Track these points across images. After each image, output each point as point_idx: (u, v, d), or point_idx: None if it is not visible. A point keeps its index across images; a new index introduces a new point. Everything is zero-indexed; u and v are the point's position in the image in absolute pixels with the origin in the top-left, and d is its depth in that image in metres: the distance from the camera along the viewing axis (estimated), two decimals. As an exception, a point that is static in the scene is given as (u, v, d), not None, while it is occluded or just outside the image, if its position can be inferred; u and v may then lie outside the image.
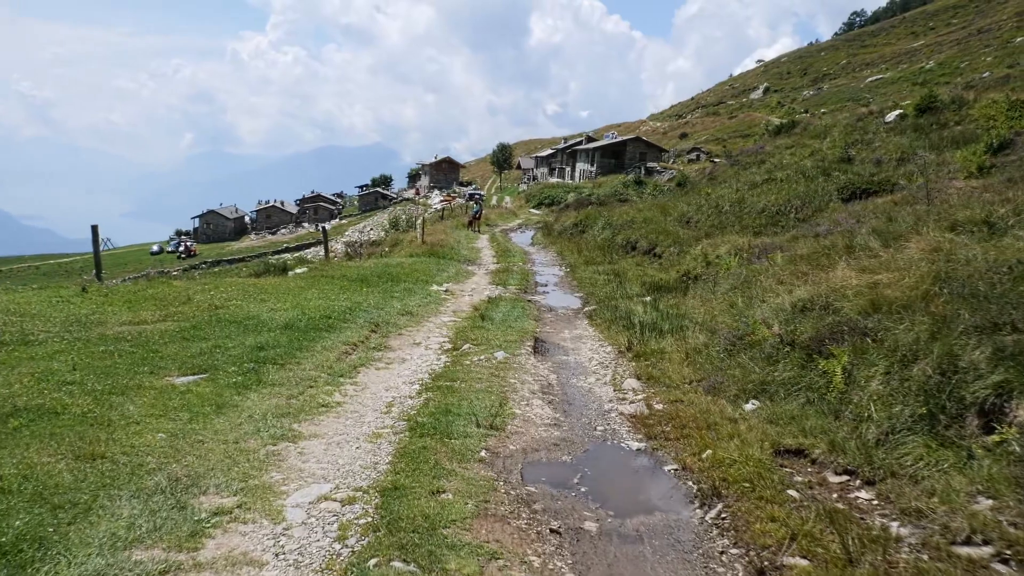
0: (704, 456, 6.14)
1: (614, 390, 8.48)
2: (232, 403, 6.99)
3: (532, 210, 63.35)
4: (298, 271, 19.14)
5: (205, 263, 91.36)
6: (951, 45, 79.80)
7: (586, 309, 15.72)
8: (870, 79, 79.96)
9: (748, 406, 7.30)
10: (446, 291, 17.10)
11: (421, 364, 9.27)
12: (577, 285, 19.59)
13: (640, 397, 8.04)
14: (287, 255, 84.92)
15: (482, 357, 9.39)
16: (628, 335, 10.87)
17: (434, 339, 10.98)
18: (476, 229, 36.63)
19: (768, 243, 16.75)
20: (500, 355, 9.47)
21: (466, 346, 10.17)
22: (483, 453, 6.19)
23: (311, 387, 7.78)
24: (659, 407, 7.64)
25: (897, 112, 31.41)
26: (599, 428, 7.14)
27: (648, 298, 15.80)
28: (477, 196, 37.69)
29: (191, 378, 7.80)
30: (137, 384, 7.34)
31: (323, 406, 7.21)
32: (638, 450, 6.62)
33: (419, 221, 43.02)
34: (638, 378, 8.79)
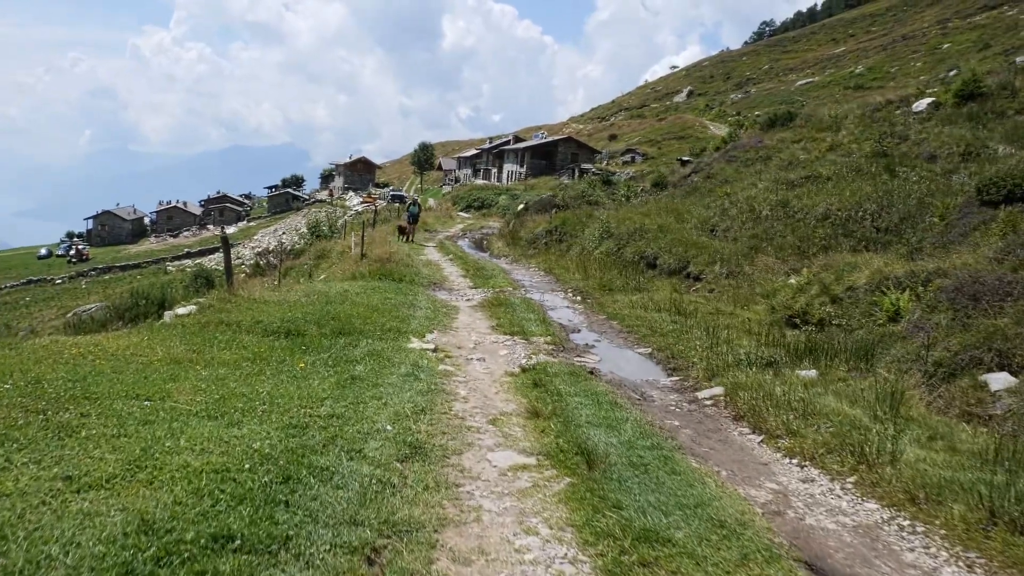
0: None
1: None
2: None
3: (461, 213, 56.01)
4: (180, 312, 11.09)
5: (95, 269, 79.31)
6: (876, 51, 77.00)
7: (707, 393, 8.49)
8: (799, 83, 76.27)
9: None
10: (436, 351, 9.54)
11: None
12: (622, 328, 12.34)
13: None
14: (188, 260, 74.14)
15: None
16: None
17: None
18: (411, 238, 27.60)
19: (967, 274, 9.93)
20: None
21: None
22: None
23: None
24: None
25: (929, 100, 25.66)
26: None
27: (810, 372, 8.69)
28: (413, 199, 29.31)
29: None
30: None
31: None
32: None
33: (347, 226, 34.90)
34: None
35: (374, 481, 4.59)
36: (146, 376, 6.62)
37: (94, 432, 4.92)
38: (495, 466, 5.43)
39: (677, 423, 7.25)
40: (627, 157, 65.74)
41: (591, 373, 9.02)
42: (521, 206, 32.72)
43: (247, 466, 4.48)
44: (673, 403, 8.24)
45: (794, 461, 6.24)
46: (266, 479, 4.32)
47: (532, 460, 5.61)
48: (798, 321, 11.80)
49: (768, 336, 10.83)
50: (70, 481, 4.18)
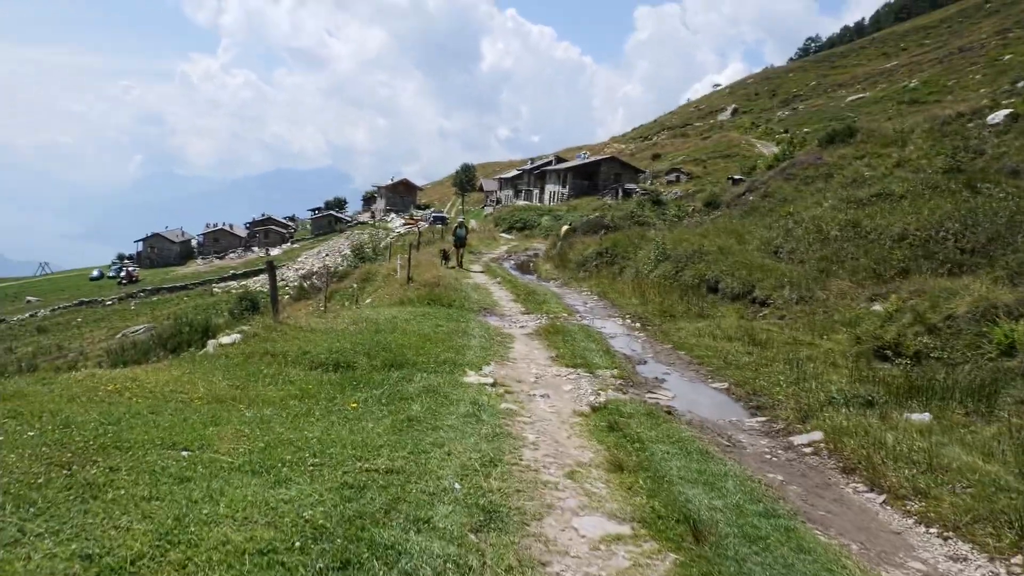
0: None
1: None
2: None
3: (503, 234, 55.52)
4: (224, 341, 10.52)
5: (144, 290, 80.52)
6: (931, 64, 74.83)
7: (804, 438, 7.55)
8: (850, 99, 74.46)
9: None
10: (495, 386, 8.75)
11: None
12: (692, 359, 11.42)
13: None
14: (233, 282, 74.83)
15: None
16: None
17: None
18: (460, 262, 25.67)
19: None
20: None
21: None
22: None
23: None
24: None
25: (1006, 112, 24.28)
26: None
27: (922, 416, 7.68)
28: (460, 221, 28.51)
29: None
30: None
31: None
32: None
33: (390, 248, 34.53)
34: None
35: (449, 564, 3.80)
36: (185, 418, 5.95)
37: (122, 493, 4.23)
38: (584, 536, 4.59)
39: (780, 477, 6.33)
40: (671, 176, 64.63)
41: (668, 413, 8.15)
42: (566, 227, 31.91)
43: (298, 544, 3.73)
44: (767, 450, 7.32)
45: (932, 531, 5.29)
46: (321, 564, 3.55)
47: (626, 528, 4.76)
48: (889, 353, 10.72)
49: (859, 370, 9.83)
50: (89, 562, 3.48)
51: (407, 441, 5.91)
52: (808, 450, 7.28)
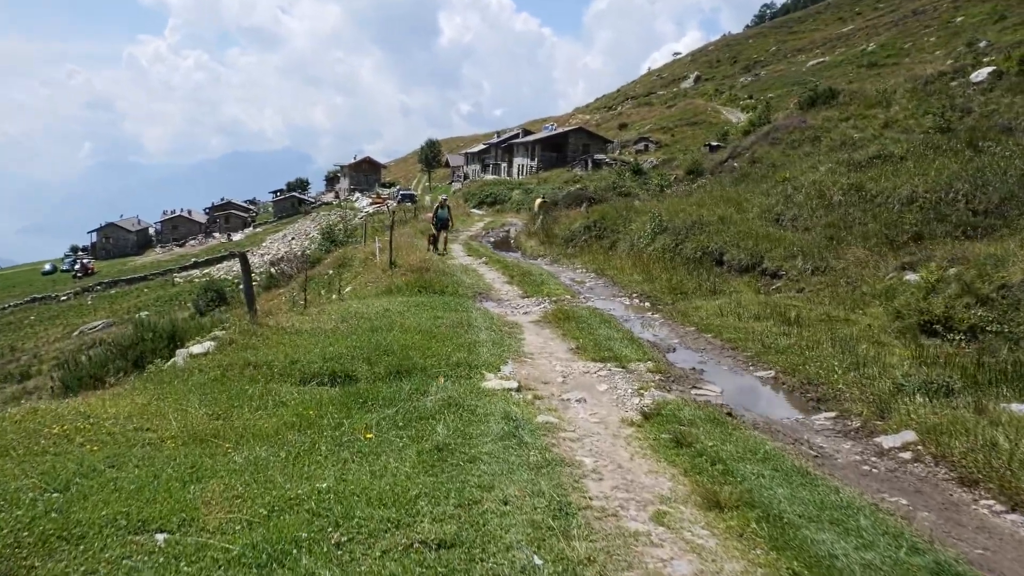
0: None
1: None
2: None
3: (474, 210, 54.00)
4: (195, 351, 9.00)
5: (101, 284, 76.84)
6: (887, 27, 74.49)
7: (895, 440, 6.42)
8: (811, 63, 73.84)
9: None
10: (520, 391, 7.44)
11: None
12: (724, 344, 10.23)
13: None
14: (196, 271, 72.00)
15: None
16: None
17: None
18: (440, 247, 22.38)
19: None
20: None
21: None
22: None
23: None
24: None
25: (989, 70, 23.47)
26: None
27: (1022, 406, 6.58)
28: (441, 201, 26.73)
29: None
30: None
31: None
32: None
33: (361, 229, 32.81)
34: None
35: None
36: (156, 474, 4.53)
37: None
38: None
39: (904, 501, 5.15)
40: (640, 146, 63.49)
41: (730, 415, 6.93)
42: (539, 200, 30.52)
43: None
44: (858, 457, 6.15)
45: None
46: None
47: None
48: (939, 328, 9.66)
49: (919, 351, 8.74)
50: None
51: (446, 485, 4.59)
52: (906, 455, 6.13)
